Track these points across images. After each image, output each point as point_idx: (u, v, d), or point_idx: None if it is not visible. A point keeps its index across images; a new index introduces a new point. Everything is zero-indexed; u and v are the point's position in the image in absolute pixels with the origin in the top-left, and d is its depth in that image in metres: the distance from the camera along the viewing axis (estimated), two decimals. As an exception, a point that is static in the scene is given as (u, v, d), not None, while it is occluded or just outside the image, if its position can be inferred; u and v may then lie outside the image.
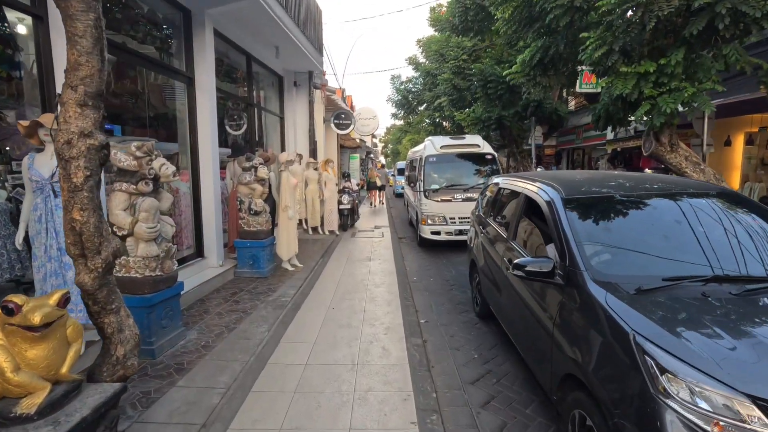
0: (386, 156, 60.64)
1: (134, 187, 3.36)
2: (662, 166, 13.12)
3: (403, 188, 19.02)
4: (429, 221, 8.28)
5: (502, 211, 4.11)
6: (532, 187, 3.35)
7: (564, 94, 18.53)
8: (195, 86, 5.80)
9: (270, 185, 6.69)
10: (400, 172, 21.51)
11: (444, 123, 23.07)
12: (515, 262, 2.60)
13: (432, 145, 8.88)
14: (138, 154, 3.34)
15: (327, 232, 10.07)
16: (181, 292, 4.00)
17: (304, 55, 8.77)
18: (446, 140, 9.00)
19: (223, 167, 7.02)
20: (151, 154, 3.44)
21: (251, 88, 8.21)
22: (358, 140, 17.47)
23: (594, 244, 2.52)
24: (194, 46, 5.77)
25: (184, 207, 5.91)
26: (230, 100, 8.07)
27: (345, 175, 11.39)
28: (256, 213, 6.07)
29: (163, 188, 3.73)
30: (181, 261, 5.66)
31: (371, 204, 17.95)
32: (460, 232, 8.18)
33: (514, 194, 3.79)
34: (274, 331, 4.11)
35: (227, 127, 8.48)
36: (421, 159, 9.24)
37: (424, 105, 24.79)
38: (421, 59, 24.31)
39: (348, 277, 6.27)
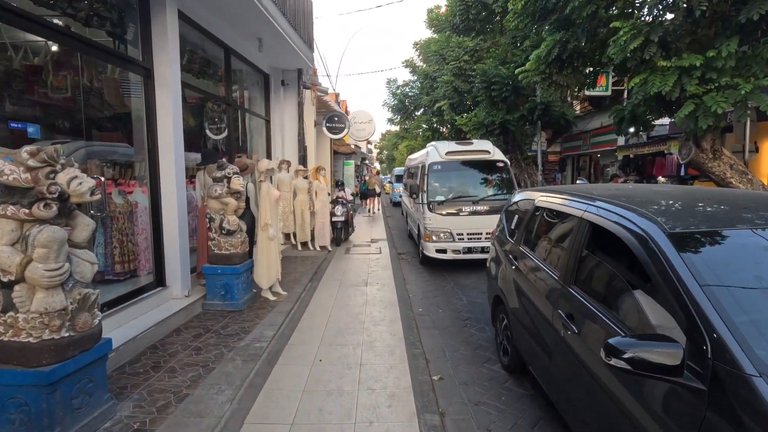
0: (381, 162, 59.80)
1: (26, 210, 2.30)
2: (677, 174, 12.25)
3: (401, 196, 18.07)
4: (433, 238, 7.26)
5: (545, 238, 3.10)
6: (601, 211, 2.33)
7: (569, 98, 17.70)
8: (154, 79, 4.77)
9: (248, 198, 5.65)
10: (398, 178, 20.54)
11: (442, 129, 22.17)
12: (609, 343, 1.57)
13: (436, 151, 7.90)
14: (31, 163, 2.30)
15: (318, 248, 9.02)
16: (110, 353, 2.93)
17: (291, 50, 7.78)
18: (452, 146, 8.02)
19: (193, 176, 5.99)
20: (55, 163, 2.39)
21: (230, 87, 7.18)
22: (353, 146, 16.48)
23: (751, 317, 1.51)
24: (152, 30, 4.74)
25: (144, 225, 4.88)
26: (210, 100, 7.07)
27: (338, 184, 10.37)
28: (229, 233, 5.02)
29: (80, 211, 2.68)
30: (137, 292, 4.62)
31: (369, 211, 17.36)
32: (469, 250, 7.17)
33: (565, 218, 2.78)
34: (238, 400, 3.05)
35: (207, 131, 7.52)
36: (423, 167, 8.24)
37: (422, 110, 23.92)
38: (419, 63, 23.48)
39: (341, 309, 5.22)
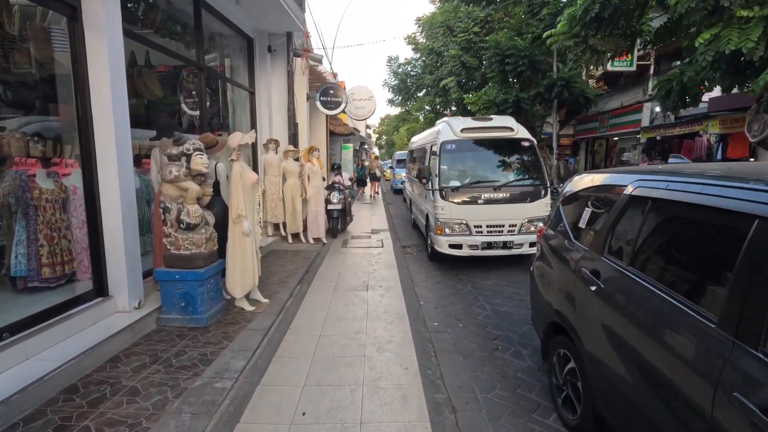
0: (380, 147, 58.36)
1: None
2: (707, 158, 11.06)
3: (403, 183, 16.93)
4: (447, 230, 6.12)
5: (668, 252, 1.94)
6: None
7: (583, 76, 16.36)
8: (82, 21, 3.55)
9: (218, 183, 4.49)
10: (400, 163, 19.36)
11: (446, 111, 20.82)
12: None
13: (449, 129, 6.70)
14: None
15: (311, 241, 7.88)
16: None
17: (277, 6, 6.51)
18: (468, 122, 6.82)
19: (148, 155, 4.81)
20: None
21: (201, 47, 5.94)
22: (351, 126, 15.22)
23: None
24: (78, -48, 3.50)
25: (77, 215, 3.74)
26: (184, 69, 5.90)
27: (335, 168, 9.19)
28: (190, 227, 3.86)
29: None
30: (68, 305, 3.50)
31: (370, 196, 16.54)
32: (489, 246, 6.04)
33: (719, 219, 1.61)
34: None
35: (183, 106, 6.36)
36: (433, 147, 7.06)
37: (424, 90, 22.54)
38: (422, 40, 21.99)
39: (335, 325, 4.10)
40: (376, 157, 28.45)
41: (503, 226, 6.06)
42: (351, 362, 3.32)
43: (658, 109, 12.51)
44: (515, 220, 6.04)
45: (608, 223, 2.29)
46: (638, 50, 12.69)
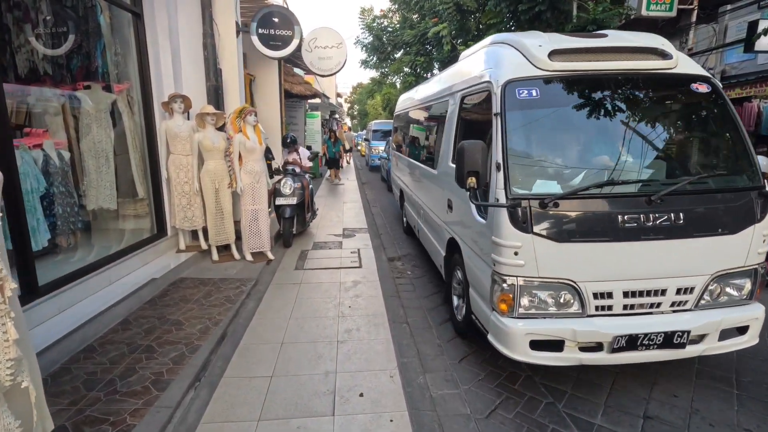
0: (352, 118, 54.71)
1: None
2: (755, 129, 8.74)
3: (381, 159, 13.95)
4: (526, 303, 2.51)
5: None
6: None
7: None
8: None
9: None
10: (378, 135, 16.41)
11: (427, 75, 17.77)
12: None
13: (519, 55, 2.87)
14: None
15: (248, 257, 5.02)
16: None
17: None
18: (557, 39, 2.97)
19: None
20: None
21: None
22: (316, 86, 12.00)
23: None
24: None
25: None
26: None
27: (287, 142, 6.25)
28: None
29: None
30: None
31: (345, 161, 16.43)
32: (632, 343, 2.42)
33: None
34: None
35: (33, 40, 3.49)
36: (465, 100, 3.42)
37: (402, 51, 19.32)
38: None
39: None
40: (349, 128, 25.36)
41: (664, 292, 2.53)
42: None
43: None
44: (692, 277, 2.54)
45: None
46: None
